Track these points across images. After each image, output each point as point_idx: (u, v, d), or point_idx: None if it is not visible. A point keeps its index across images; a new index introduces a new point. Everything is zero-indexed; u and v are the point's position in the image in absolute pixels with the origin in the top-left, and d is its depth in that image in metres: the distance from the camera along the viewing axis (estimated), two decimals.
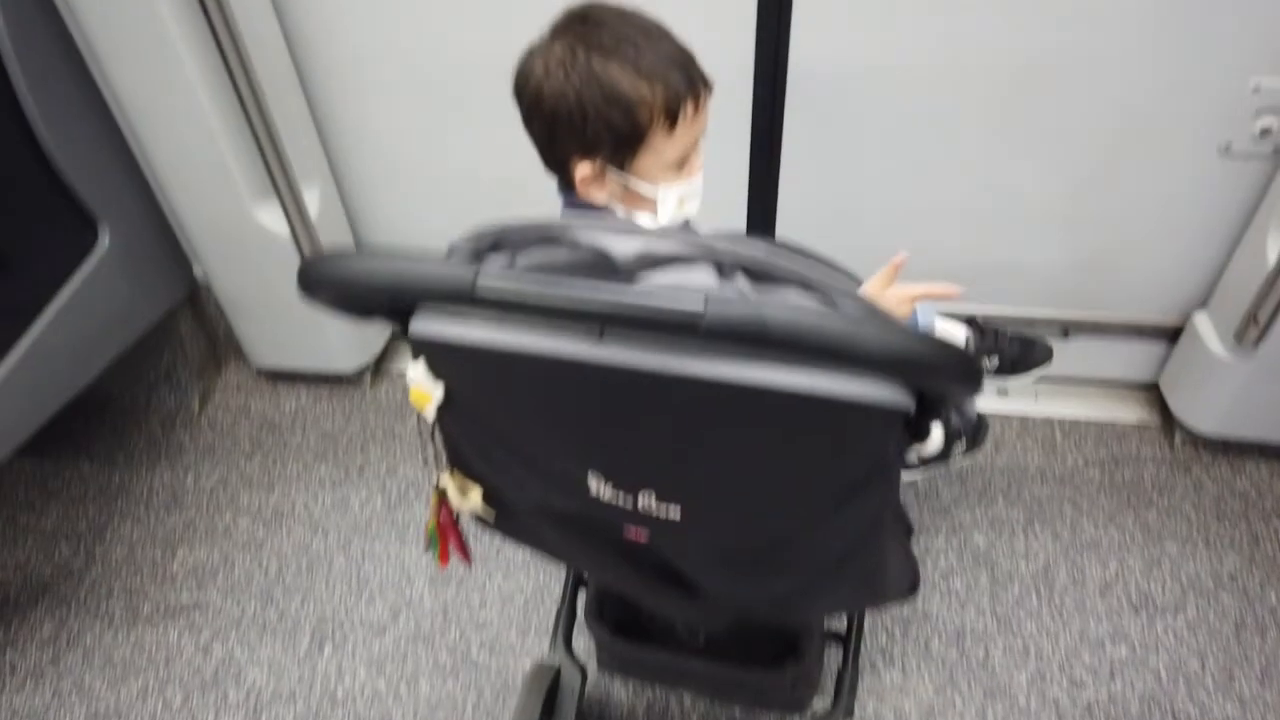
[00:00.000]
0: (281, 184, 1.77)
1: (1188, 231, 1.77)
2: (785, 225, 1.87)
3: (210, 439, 2.21)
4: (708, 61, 1.04)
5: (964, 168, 1.75)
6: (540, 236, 0.95)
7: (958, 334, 1.55)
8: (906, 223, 1.86)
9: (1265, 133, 1.57)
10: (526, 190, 2.02)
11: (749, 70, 1.61)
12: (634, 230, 0.95)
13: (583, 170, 1.03)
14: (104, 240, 1.81)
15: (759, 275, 0.92)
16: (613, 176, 1.03)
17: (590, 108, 0.97)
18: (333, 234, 1.98)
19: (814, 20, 1.56)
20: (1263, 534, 1.87)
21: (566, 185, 1.08)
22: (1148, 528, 1.90)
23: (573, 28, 1.01)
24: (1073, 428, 2.07)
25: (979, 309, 1.98)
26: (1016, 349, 1.69)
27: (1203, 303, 1.87)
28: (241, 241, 1.90)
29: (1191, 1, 1.47)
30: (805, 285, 0.91)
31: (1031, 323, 1.99)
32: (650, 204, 1.06)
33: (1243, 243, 1.72)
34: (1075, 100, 1.61)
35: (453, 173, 1.94)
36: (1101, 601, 1.80)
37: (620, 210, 1.07)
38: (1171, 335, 1.95)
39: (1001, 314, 1.98)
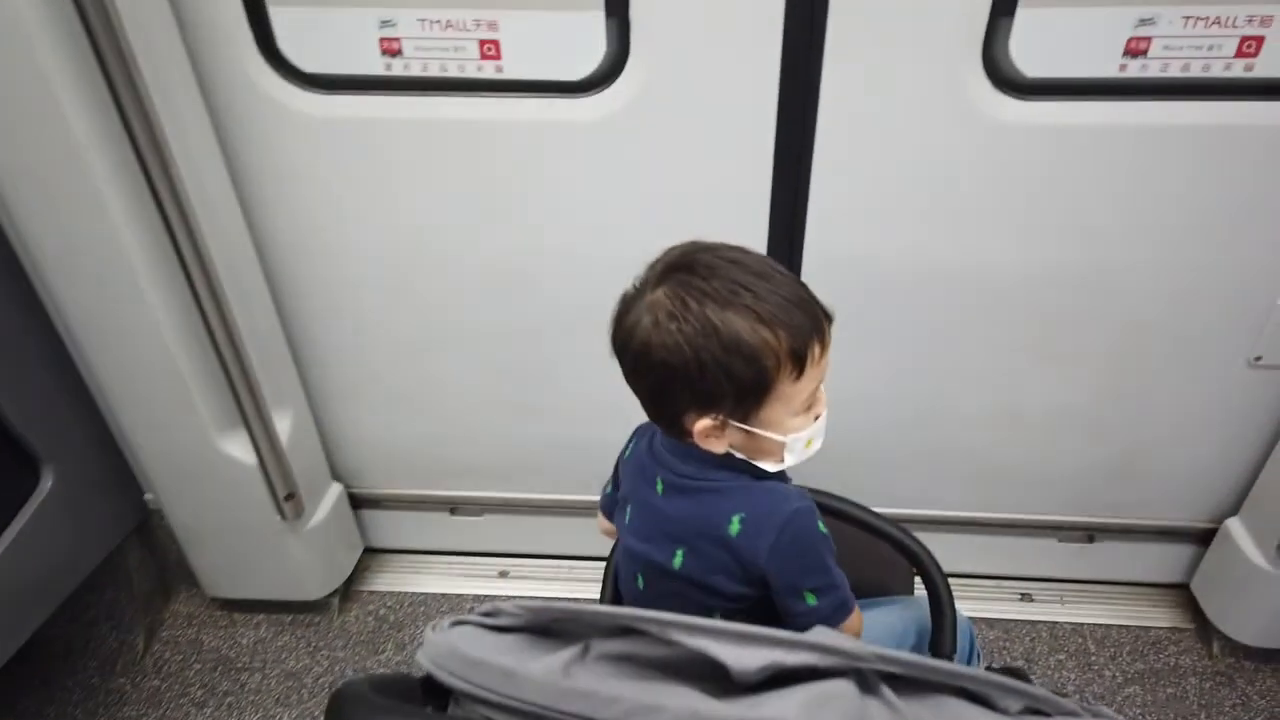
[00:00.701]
0: (251, 413, 1.60)
1: (1218, 438, 1.71)
2: None
3: (155, 684, 1.93)
4: None
5: (986, 371, 1.67)
6: (620, 628, 0.73)
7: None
8: (929, 422, 1.77)
9: None
10: (515, 408, 1.97)
11: (766, 203, 1.55)
12: (754, 638, 0.69)
13: (701, 424, 0.97)
14: (46, 482, 1.61)
15: (909, 683, 0.70)
16: (734, 428, 0.98)
17: (709, 361, 0.92)
18: (305, 460, 1.80)
19: (830, 223, 1.51)
20: None
21: (678, 434, 1.02)
22: None
23: (678, 276, 0.96)
24: (1105, 635, 1.94)
25: (1002, 516, 1.89)
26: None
27: (1235, 508, 1.79)
28: (204, 472, 1.71)
29: (1216, 219, 1.44)
30: (963, 691, 0.71)
31: (1056, 527, 1.89)
32: (777, 450, 1.01)
33: (1276, 451, 1.66)
34: (1101, 308, 1.56)
35: (435, 391, 1.81)
36: None
37: (739, 455, 1.02)
38: (1202, 538, 1.87)
39: (1025, 519, 1.89)
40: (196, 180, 1.42)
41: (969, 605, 1.99)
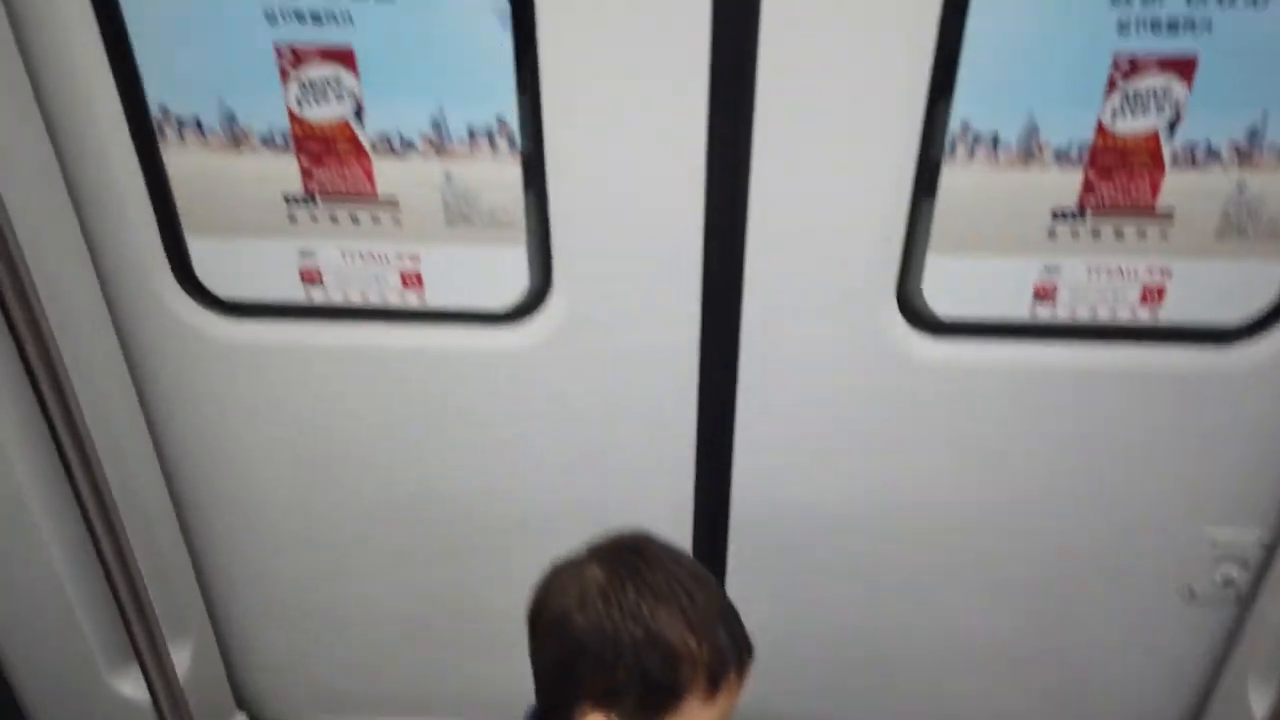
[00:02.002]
0: (144, 645, 1.49)
1: (1161, 674, 1.67)
2: None
3: None
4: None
5: (925, 604, 1.63)
6: None
7: None
8: (872, 657, 1.71)
9: (1228, 581, 1.52)
10: (434, 634, 1.83)
11: (689, 491, 1.52)
12: None
13: None
14: None
15: None
16: None
17: (628, 650, 0.88)
18: (206, 691, 1.68)
19: (756, 460, 1.50)
20: None
21: None
22: None
23: (621, 557, 0.94)
24: None
25: None
26: None
27: None
28: (90, 711, 1.58)
29: (1135, 454, 1.45)
30: None
31: None
32: None
33: (1220, 690, 1.62)
34: (1033, 540, 1.55)
35: (350, 616, 1.72)
36: None
37: None
38: None
39: None
40: (96, 401, 1.38)
41: None
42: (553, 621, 0.93)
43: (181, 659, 1.60)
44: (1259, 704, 1.49)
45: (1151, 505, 1.48)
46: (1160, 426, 1.42)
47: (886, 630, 1.66)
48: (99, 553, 1.43)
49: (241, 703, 1.83)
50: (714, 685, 0.90)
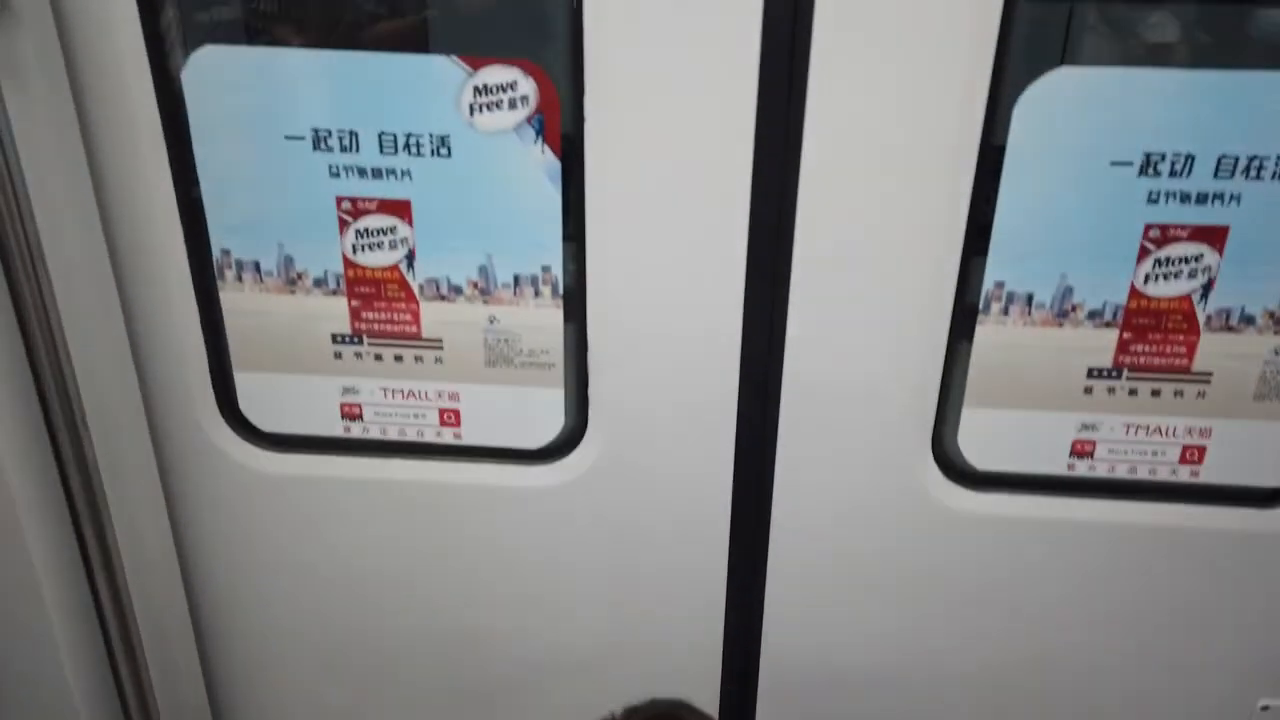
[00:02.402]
0: None
1: None
2: None
3: None
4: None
5: None
6: None
7: None
8: None
9: None
10: None
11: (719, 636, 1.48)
12: None
13: None
14: None
15: None
16: None
17: None
18: None
19: (787, 612, 1.47)
20: None
21: None
22: None
23: None
24: None
25: None
26: None
27: None
28: None
29: (1189, 615, 1.42)
30: None
31: None
32: None
33: None
34: (1069, 706, 1.50)
35: None
36: None
37: None
38: None
39: None
40: (130, 522, 1.40)
41: None
42: None
43: None
44: None
45: (1200, 673, 1.44)
46: (1204, 589, 1.39)
47: None
48: (116, 679, 1.42)
49: None
50: None
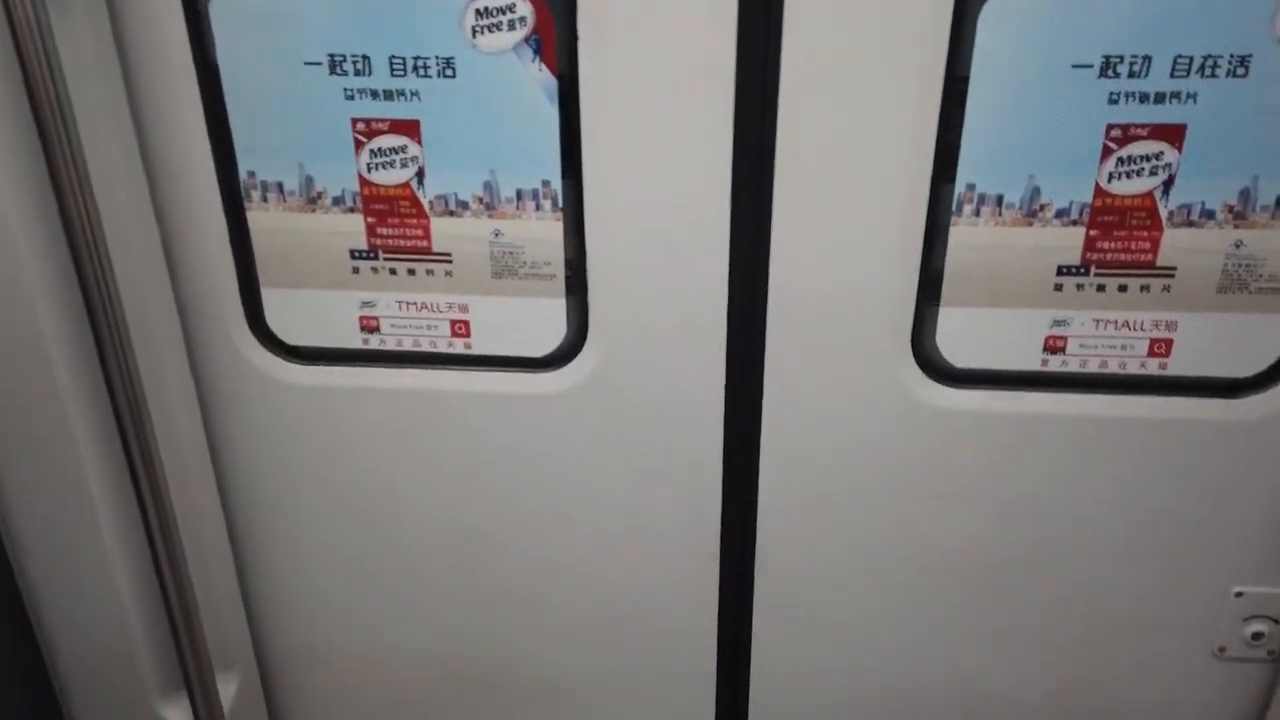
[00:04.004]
0: (195, 678, 1.57)
1: None
2: (759, 711, 1.72)
3: None
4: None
5: (951, 657, 1.64)
6: None
7: None
8: (883, 711, 1.70)
9: (1258, 636, 1.51)
10: (475, 681, 1.87)
11: (716, 530, 1.56)
12: None
13: None
14: None
15: None
16: None
17: None
18: None
19: (781, 505, 1.55)
20: None
21: None
22: None
23: None
24: None
25: None
26: None
27: None
28: None
29: (1153, 508, 1.48)
30: None
31: None
32: None
33: None
34: (1059, 592, 1.56)
35: (393, 660, 1.78)
36: None
37: None
38: None
39: None
40: (169, 436, 1.50)
41: None
42: None
43: (226, 694, 1.66)
44: None
45: (1175, 560, 1.49)
46: (1177, 479, 1.45)
47: (907, 686, 1.66)
48: (160, 581, 1.52)
49: None
50: None
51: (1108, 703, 1.62)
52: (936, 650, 1.63)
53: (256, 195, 1.50)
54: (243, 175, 1.48)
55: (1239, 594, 1.49)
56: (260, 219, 1.51)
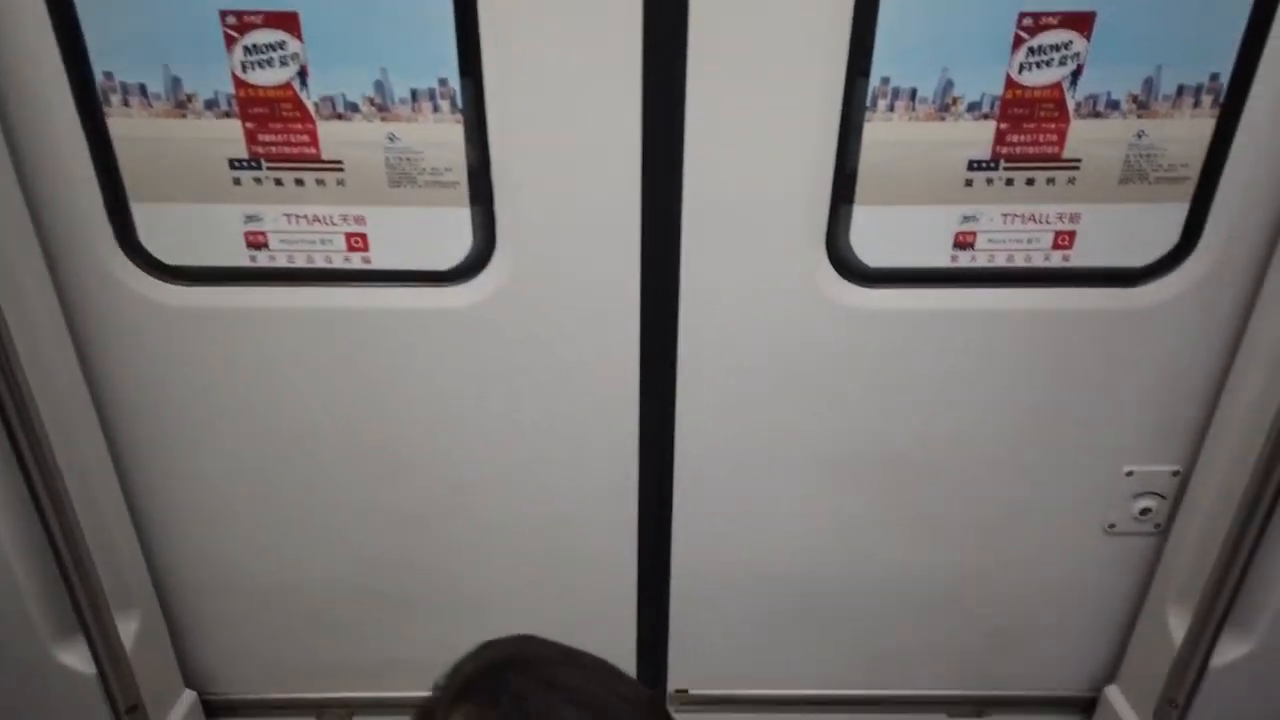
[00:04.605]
0: (90, 617, 1.49)
1: (1086, 605, 1.75)
2: (680, 604, 1.73)
3: None
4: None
5: (865, 548, 1.69)
6: None
7: None
8: (816, 601, 1.76)
9: (1145, 513, 1.60)
10: (384, 601, 1.82)
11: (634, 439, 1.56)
12: None
13: None
14: None
15: None
16: None
17: None
18: (152, 666, 1.67)
19: (698, 408, 1.55)
20: None
21: None
22: None
23: (485, 693, 0.76)
24: None
25: (893, 692, 1.87)
26: None
27: (1112, 676, 1.81)
28: (34, 683, 1.55)
29: (1056, 395, 1.53)
30: None
31: (946, 702, 1.87)
32: None
33: (1142, 617, 1.70)
34: (965, 481, 1.62)
35: (299, 586, 1.72)
36: None
37: None
38: (1085, 707, 1.87)
39: (915, 695, 1.86)
40: (40, 368, 1.38)
41: None
42: None
43: (127, 633, 1.58)
44: (1178, 628, 1.57)
45: (1072, 444, 1.56)
46: (1076, 367, 1.50)
47: (820, 573, 1.72)
48: (43, 520, 1.42)
49: (189, 680, 1.81)
50: None
51: (1008, 582, 1.72)
52: (847, 539, 1.68)
53: (116, 99, 1.35)
54: (98, 77, 1.33)
55: (1129, 473, 1.58)
56: (122, 126, 1.36)
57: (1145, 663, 1.69)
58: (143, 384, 1.52)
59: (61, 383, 1.44)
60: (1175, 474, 1.58)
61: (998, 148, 1.39)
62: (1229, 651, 1.54)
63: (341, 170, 1.41)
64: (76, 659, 1.54)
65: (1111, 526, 1.63)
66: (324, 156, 1.40)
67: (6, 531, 1.43)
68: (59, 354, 1.44)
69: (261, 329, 1.49)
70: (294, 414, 1.56)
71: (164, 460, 1.59)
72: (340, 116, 1.37)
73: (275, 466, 1.60)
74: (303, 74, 1.34)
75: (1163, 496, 1.60)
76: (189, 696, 1.79)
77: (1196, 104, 1.35)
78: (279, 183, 1.41)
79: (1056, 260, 1.46)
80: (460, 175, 1.41)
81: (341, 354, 1.51)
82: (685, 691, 1.83)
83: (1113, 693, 1.78)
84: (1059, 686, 1.85)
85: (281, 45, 1.32)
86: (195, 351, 1.49)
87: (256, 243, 1.46)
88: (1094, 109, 1.36)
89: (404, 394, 1.55)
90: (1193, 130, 1.38)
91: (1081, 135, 1.38)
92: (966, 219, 1.44)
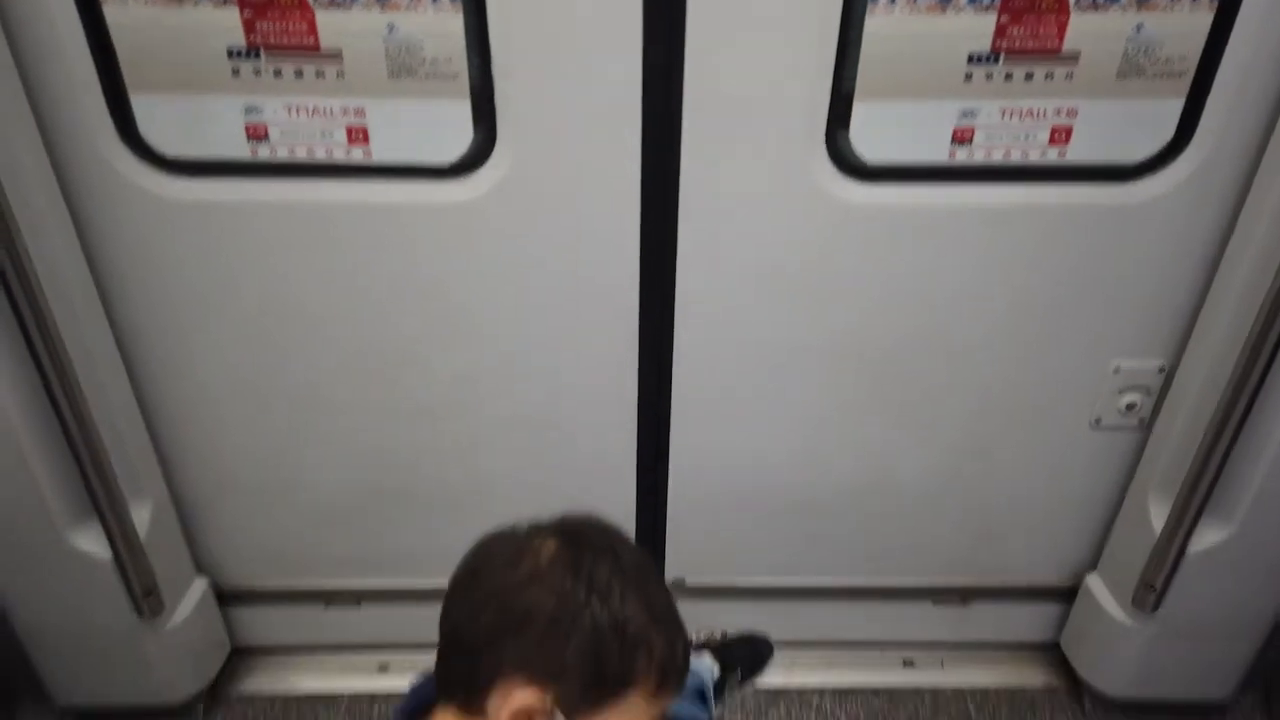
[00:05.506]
0: (105, 504, 1.53)
1: (1071, 498, 1.81)
2: (678, 497, 1.79)
3: None
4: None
5: (857, 442, 1.74)
6: None
7: (703, 667, 1.62)
8: (808, 494, 1.81)
9: (1131, 407, 1.65)
10: (388, 494, 1.88)
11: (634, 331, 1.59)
12: None
13: (521, 698, 0.81)
14: None
15: None
16: None
17: (587, 626, 0.81)
18: (165, 554, 1.72)
19: (697, 303, 1.57)
20: None
21: (467, 707, 0.85)
22: None
23: (588, 536, 0.88)
24: (984, 699, 1.98)
25: (880, 582, 1.94)
26: (746, 652, 1.78)
27: (1093, 565, 1.88)
28: (52, 568, 1.61)
29: (1048, 291, 1.56)
30: None
31: (932, 591, 1.95)
32: None
33: (1124, 508, 1.76)
34: (955, 377, 1.66)
35: (305, 479, 1.77)
36: None
37: None
38: (1067, 595, 1.95)
39: (902, 584, 1.94)
40: (48, 265, 1.39)
41: (855, 675, 2.01)
42: (495, 589, 0.85)
43: (140, 521, 1.63)
44: (1158, 517, 1.64)
45: (1063, 340, 1.59)
46: (1069, 264, 1.53)
47: (824, 473, 1.77)
48: (55, 408, 1.45)
49: (200, 569, 1.88)
50: (662, 685, 0.86)
51: (996, 477, 1.77)
52: (841, 435, 1.72)
53: None
54: None
55: (1116, 369, 1.61)
56: (118, 14, 1.35)
57: (1126, 551, 1.76)
58: (146, 278, 1.53)
59: (67, 276, 1.46)
60: (1161, 370, 1.62)
61: (998, 41, 1.39)
62: (1206, 538, 1.61)
63: (341, 61, 1.40)
64: (93, 544, 1.60)
65: (1097, 422, 1.68)
66: (323, 47, 1.39)
67: (20, 419, 1.46)
68: (64, 247, 1.45)
69: (262, 223, 1.49)
70: (295, 309, 1.58)
71: (169, 354, 1.61)
72: (338, 5, 1.36)
73: (277, 362, 1.62)
74: None
75: (1148, 393, 1.64)
76: (201, 584, 1.85)
77: None
78: (278, 74, 1.41)
79: (1053, 156, 1.47)
80: (461, 66, 1.40)
81: (342, 249, 1.52)
82: (682, 580, 1.90)
83: (1093, 580, 1.86)
84: (1042, 576, 1.93)
85: None
86: (197, 246, 1.50)
87: (257, 134, 1.45)
88: (1094, 2, 1.36)
89: (405, 288, 1.56)
90: (1191, 24, 1.37)
91: (1081, 28, 1.37)
92: (965, 114, 1.44)
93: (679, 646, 0.88)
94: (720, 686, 1.69)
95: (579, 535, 0.88)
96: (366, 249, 1.52)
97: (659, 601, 0.87)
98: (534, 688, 0.82)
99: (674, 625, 0.88)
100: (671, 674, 0.87)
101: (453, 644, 0.87)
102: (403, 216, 1.50)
